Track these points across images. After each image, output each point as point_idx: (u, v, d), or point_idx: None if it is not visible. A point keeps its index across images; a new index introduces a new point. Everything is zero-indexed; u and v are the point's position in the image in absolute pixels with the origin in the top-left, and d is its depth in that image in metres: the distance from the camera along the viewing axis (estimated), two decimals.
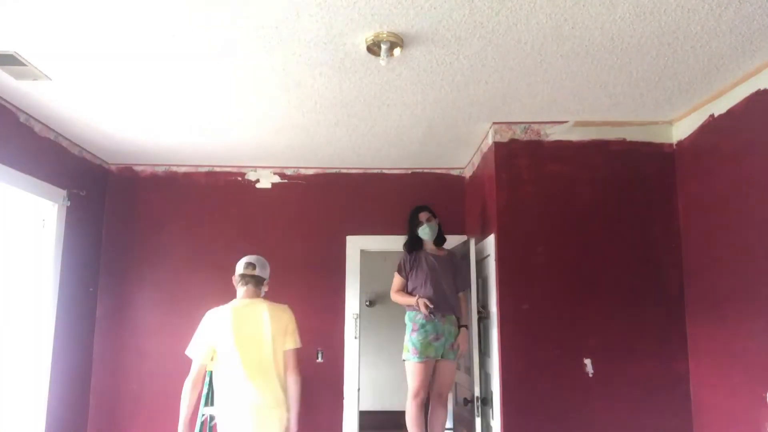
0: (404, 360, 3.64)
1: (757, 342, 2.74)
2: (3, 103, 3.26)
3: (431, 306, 3.55)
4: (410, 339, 3.60)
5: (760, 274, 2.73)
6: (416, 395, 3.56)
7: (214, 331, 3.07)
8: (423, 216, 3.79)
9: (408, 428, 3.61)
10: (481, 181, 3.93)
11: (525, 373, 3.35)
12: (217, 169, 4.61)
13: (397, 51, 2.54)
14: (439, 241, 3.85)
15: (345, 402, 4.39)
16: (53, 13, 2.32)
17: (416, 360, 3.55)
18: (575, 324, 3.38)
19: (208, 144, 4.05)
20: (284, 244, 4.55)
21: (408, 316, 3.69)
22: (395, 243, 4.40)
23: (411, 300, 3.64)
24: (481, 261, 3.84)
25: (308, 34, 2.47)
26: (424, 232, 3.77)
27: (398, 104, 3.26)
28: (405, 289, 3.75)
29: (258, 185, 4.58)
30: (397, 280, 3.77)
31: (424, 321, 3.58)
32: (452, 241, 4.03)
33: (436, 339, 3.58)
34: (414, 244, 3.81)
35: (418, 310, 3.59)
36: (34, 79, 2.97)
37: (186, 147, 4.13)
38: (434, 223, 3.80)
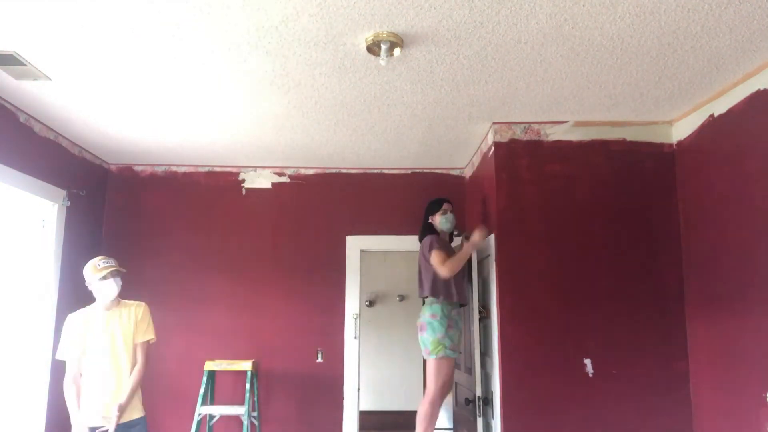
0: (441, 357, 3.49)
1: (757, 342, 2.74)
2: (3, 103, 3.26)
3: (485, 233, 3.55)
4: (448, 335, 3.51)
5: (760, 274, 2.73)
6: (445, 391, 3.54)
7: None
8: (447, 206, 3.75)
9: (424, 426, 3.51)
10: (481, 181, 3.93)
11: (525, 373, 3.35)
12: (217, 169, 4.61)
13: (397, 51, 2.54)
14: (451, 236, 3.87)
15: (345, 402, 4.39)
16: (53, 13, 2.32)
17: (455, 355, 3.55)
18: (575, 324, 3.38)
19: (208, 144, 4.05)
20: (284, 244, 4.55)
21: (442, 311, 3.52)
22: (395, 243, 4.42)
23: (468, 250, 3.53)
24: (481, 261, 3.85)
25: (308, 34, 2.47)
26: (448, 221, 3.72)
27: (398, 104, 3.26)
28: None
29: (258, 185, 4.58)
30: (440, 255, 3.52)
31: (456, 316, 3.58)
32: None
33: (461, 333, 3.66)
34: (431, 231, 3.72)
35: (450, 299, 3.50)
36: (34, 79, 2.97)
37: (186, 147, 4.13)
38: (453, 216, 3.77)
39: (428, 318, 3.54)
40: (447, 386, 3.58)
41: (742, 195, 2.88)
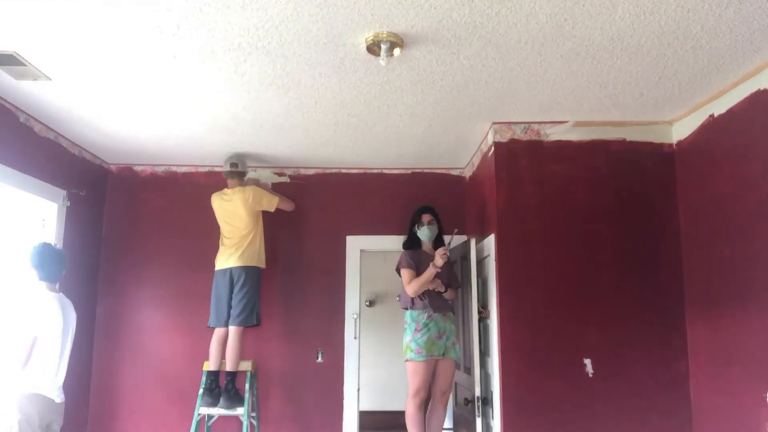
0: (407, 360, 3.63)
1: (757, 342, 2.74)
2: (3, 103, 3.26)
3: (447, 255, 3.61)
4: (414, 339, 3.60)
5: (760, 275, 2.73)
6: (416, 394, 3.57)
7: None
8: (425, 218, 3.84)
9: (408, 428, 3.62)
10: (481, 181, 3.93)
11: (525, 373, 3.35)
12: (217, 169, 4.61)
13: (397, 51, 2.54)
14: (437, 243, 3.85)
15: (345, 402, 4.39)
16: (53, 13, 2.32)
17: (421, 359, 3.58)
18: (575, 324, 3.38)
19: (208, 144, 4.05)
20: (284, 244, 4.55)
21: (410, 316, 3.69)
22: (395, 243, 4.41)
23: (431, 272, 3.58)
24: (481, 261, 3.84)
25: (308, 34, 2.47)
26: (423, 234, 3.83)
27: (398, 104, 3.26)
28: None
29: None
30: (408, 274, 3.68)
31: (427, 320, 3.61)
32: (453, 240, 4.02)
33: (439, 337, 3.62)
34: (413, 243, 3.87)
35: (424, 308, 3.62)
36: (34, 79, 2.97)
37: (186, 147, 4.13)
38: (435, 225, 3.85)
39: (404, 323, 3.73)
40: (421, 389, 3.60)
41: (742, 195, 2.88)
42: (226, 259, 4.08)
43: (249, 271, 4.07)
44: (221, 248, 4.15)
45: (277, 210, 4.27)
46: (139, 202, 4.60)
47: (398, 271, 3.80)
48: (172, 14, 2.32)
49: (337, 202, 4.64)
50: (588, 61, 2.72)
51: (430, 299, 3.65)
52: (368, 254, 4.70)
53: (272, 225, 4.49)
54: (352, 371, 4.43)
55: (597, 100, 3.20)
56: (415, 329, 3.62)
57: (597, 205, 3.50)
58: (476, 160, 4.15)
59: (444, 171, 4.69)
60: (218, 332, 4.07)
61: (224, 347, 4.05)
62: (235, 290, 4.04)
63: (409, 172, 4.69)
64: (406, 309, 3.75)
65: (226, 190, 4.24)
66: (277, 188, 4.61)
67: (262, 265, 4.18)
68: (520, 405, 3.32)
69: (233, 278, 4.05)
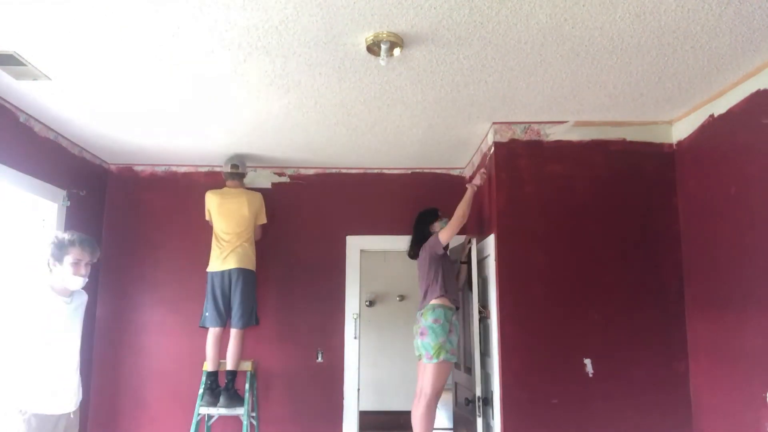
0: (442, 360, 3.52)
1: (757, 342, 2.74)
2: (3, 103, 3.26)
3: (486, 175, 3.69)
4: (449, 340, 3.54)
5: (760, 274, 2.73)
6: (438, 395, 3.58)
7: None
8: (441, 213, 3.90)
9: (421, 429, 3.55)
10: None
11: (525, 373, 3.35)
12: (217, 169, 4.60)
13: (397, 51, 2.54)
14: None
15: (345, 402, 4.39)
16: (53, 13, 2.32)
17: (454, 359, 3.59)
18: (575, 324, 3.38)
19: (208, 144, 4.05)
20: (284, 244, 4.55)
21: (445, 316, 3.55)
22: (395, 243, 4.41)
23: (471, 191, 3.66)
24: (481, 261, 3.84)
25: (308, 34, 2.47)
26: (444, 224, 3.81)
27: (398, 104, 3.27)
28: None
29: (258, 185, 4.58)
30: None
31: (455, 320, 3.62)
32: (453, 241, 4.03)
33: (460, 340, 3.67)
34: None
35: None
36: (34, 79, 2.97)
37: (186, 147, 4.13)
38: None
39: (431, 323, 3.55)
40: (442, 389, 3.62)
41: (742, 195, 2.88)
42: (223, 261, 4.07)
43: (247, 274, 4.09)
44: (217, 250, 4.13)
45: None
46: (139, 202, 4.60)
47: (434, 249, 3.68)
48: (172, 14, 2.32)
49: (337, 202, 4.64)
50: (588, 61, 2.72)
51: (456, 296, 3.71)
52: (368, 254, 4.71)
53: (273, 225, 4.49)
54: (352, 371, 4.43)
55: (597, 100, 3.21)
56: (450, 330, 3.55)
57: (597, 205, 3.50)
58: (476, 160, 4.15)
59: (444, 171, 4.68)
60: (215, 332, 4.07)
61: (220, 347, 4.06)
62: (235, 292, 4.05)
63: (409, 172, 4.69)
64: (432, 302, 3.59)
65: (227, 189, 4.25)
66: (277, 188, 4.61)
67: (254, 268, 4.19)
68: (520, 405, 3.32)
69: (231, 280, 4.05)
